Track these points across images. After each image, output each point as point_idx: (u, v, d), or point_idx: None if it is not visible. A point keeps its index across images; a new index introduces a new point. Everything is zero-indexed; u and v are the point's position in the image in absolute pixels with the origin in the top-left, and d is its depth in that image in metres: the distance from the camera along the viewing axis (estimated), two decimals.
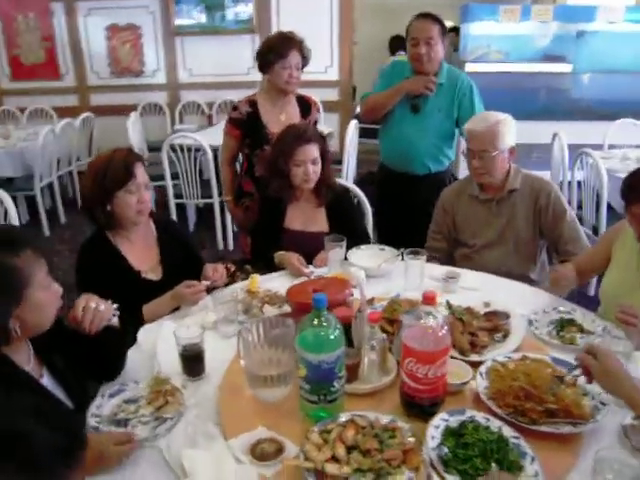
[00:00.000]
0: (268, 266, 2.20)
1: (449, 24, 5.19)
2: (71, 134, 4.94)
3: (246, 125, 2.60)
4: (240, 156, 2.77)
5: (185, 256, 1.98)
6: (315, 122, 2.76)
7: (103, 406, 1.36)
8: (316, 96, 5.78)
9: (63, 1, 5.58)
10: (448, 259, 2.32)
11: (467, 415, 1.22)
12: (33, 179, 4.34)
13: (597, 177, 3.21)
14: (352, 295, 1.63)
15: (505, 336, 1.57)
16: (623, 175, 3.27)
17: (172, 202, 4.09)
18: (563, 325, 1.64)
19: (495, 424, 1.20)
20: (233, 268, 2.25)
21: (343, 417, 1.22)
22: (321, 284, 1.64)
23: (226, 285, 1.99)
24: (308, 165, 2.13)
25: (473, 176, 2.20)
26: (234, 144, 2.68)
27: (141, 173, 1.79)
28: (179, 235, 2.04)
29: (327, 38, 5.64)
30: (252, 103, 2.64)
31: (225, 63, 5.74)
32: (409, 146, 2.65)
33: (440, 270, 2.00)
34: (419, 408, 1.25)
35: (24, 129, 4.96)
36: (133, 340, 1.63)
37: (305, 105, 2.72)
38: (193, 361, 1.47)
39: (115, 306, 1.47)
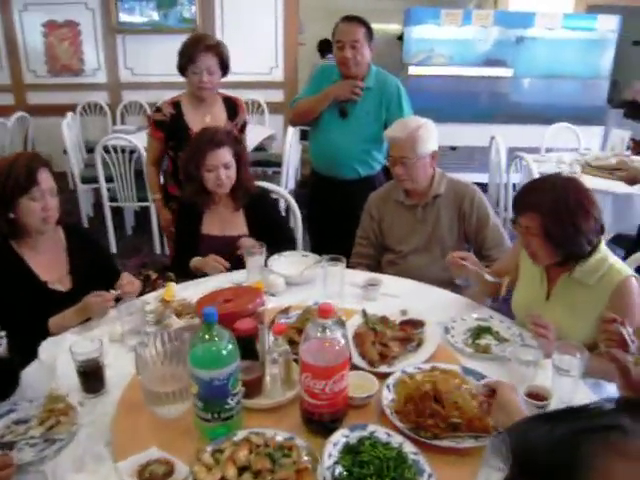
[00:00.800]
0: (190, 274, 2.14)
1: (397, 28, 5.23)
2: (3, 134, 4.71)
3: (169, 127, 2.53)
4: (166, 159, 2.69)
5: (98, 266, 1.89)
6: (243, 124, 2.70)
7: None
8: (261, 97, 5.77)
9: None
10: (376, 265, 2.30)
11: (369, 430, 1.19)
12: None
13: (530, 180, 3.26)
14: (263, 305, 1.57)
15: (419, 345, 1.54)
16: None
17: (107, 205, 3.95)
18: (479, 333, 1.64)
19: (397, 440, 1.16)
20: (155, 276, 2.19)
21: (239, 435, 1.17)
22: (231, 294, 1.58)
23: (143, 294, 1.91)
24: (220, 170, 2.08)
25: (396, 182, 2.19)
26: (158, 146, 2.60)
27: (45, 179, 1.69)
28: (91, 244, 1.95)
29: (272, 39, 5.59)
30: (176, 105, 2.57)
31: (168, 63, 5.54)
32: (337, 151, 2.62)
33: (362, 277, 1.98)
34: (320, 424, 1.21)
35: None
36: (29, 358, 1.53)
37: (232, 106, 2.65)
38: (91, 377, 1.39)
39: (2, 334, 1.37)
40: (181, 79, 5.83)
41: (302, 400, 1.21)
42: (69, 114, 4.67)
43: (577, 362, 1.34)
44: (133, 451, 1.16)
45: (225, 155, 2.08)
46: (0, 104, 5.47)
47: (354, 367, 1.42)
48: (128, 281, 1.74)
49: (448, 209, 2.16)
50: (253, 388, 1.31)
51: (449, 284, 2.04)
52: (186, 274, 2.08)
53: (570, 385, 1.34)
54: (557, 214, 1.50)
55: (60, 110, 5.02)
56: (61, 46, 5.45)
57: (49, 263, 1.79)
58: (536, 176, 3.25)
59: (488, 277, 1.76)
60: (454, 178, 2.24)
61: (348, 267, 2.19)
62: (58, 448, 1.21)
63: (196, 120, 2.52)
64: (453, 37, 4.96)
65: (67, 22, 5.41)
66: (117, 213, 4.39)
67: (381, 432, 1.18)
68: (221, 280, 1.96)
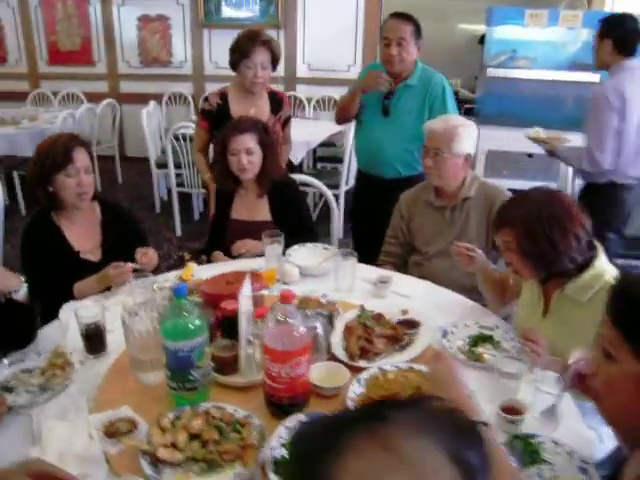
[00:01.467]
0: (225, 255, 2.25)
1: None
2: (92, 119, 5.12)
3: (215, 117, 2.63)
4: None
5: (129, 240, 2.02)
6: (287, 118, 2.76)
7: (1, 372, 1.42)
8: (336, 94, 5.81)
9: None
10: (403, 265, 2.28)
11: None
12: None
13: None
14: (263, 289, 1.63)
15: (408, 345, 1.52)
16: None
17: (174, 190, 4.19)
18: (478, 340, 1.59)
19: None
20: (188, 257, 2.32)
21: (202, 406, 1.23)
22: (234, 277, 1.64)
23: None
24: (242, 155, 2.14)
25: (425, 173, 2.16)
26: (204, 134, 2.73)
27: (81, 158, 1.85)
28: (125, 220, 2.09)
29: (351, 36, 5.61)
30: (223, 95, 2.67)
31: None
32: (378, 149, 2.62)
33: (375, 273, 1.97)
34: (278, 407, 1.24)
35: (54, 112, 5.17)
36: (50, 316, 1.69)
37: (276, 100, 2.72)
38: (93, 339, 1.52)
39: (22, 279, 1.52)
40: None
41: (264, 382, 1.25)
42: (151, 103, 4.98)
43: (554, 379, 1.27)
44: (110, 408, 1.27)
45: (248, 141, 2.15)
46: (96, 91, 5.94)
47: (334, 359, 1.44)
48: (142, 253, 1.85)
49: (477, 212, 2.10)
50: (228, 365, 1.36)
51: (471, 290, 1.98)
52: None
53: (548, 402, 1.27)
54: (530, 230, 1.45)
55: (148, 99, 5.36)
56: (152, 39, 5.83)
57: (83, 235, 1.95)
58: None
59: (494, 266, 1.71)
60: (487, 182, 2.17)
61: (376, 265, 2.21)
62: (48, 397, 1.34)
63: (241, 112, 2.61)
64: (538, 38, 4.72)
65: (159, 16, 5.78)
66: (187, 198, 4.65)
67: None
68: (240, 265, 2.03)
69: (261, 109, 2.66)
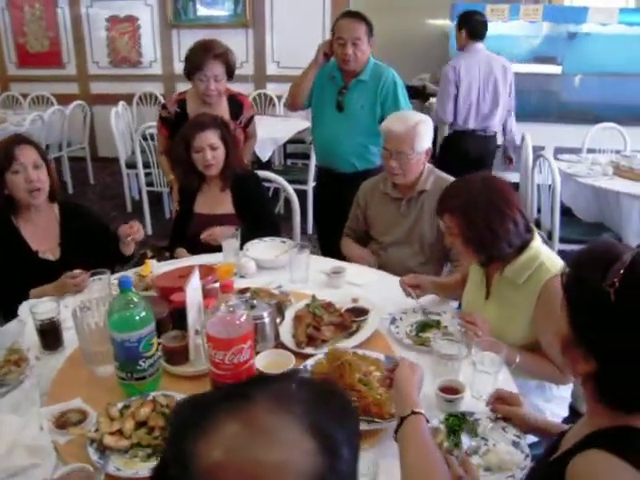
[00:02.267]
0: (189, 250, 2.29)
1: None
2: (62, 121, 5.10)
3: (174, 124, 2.62)
4: None
5: (91, 238, 2.04)
6: (248, 120, 2.79)
7: None
8: None
9: None
10: None
11: None
12: None
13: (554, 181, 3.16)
14: (215, 282, 1.67)
15: (356, 332, 1.58)
16: (587, 180, 3.26)
17: (144, 189, 4.22)
18: (425, 326, 1.64)
19: None
20: (150, 255, 2.35)
21: (150, 395, 1.27)
22: (188, 271, 1.68)
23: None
24: (206, 151, 2.19)
25: (388, 175, 2.20)
26: (164, 141, 2.74)
27: (25, 154, 1.87)
28: (86, 218, 2.10)
29: (319, 33, 5.62)
30: (181, 102, 2.68)
31: None
32: (334, 144, 2.67)
33: (330, 265, 2.02)
34: None
35: (23, 114, 5.14)
36: (10, 315, 1.71)
37: (236, 104, 2.73)
38: (48, 335, 1.55)
39: None
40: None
41: (209, 369, 1.29)
42: (120, 103, 4.98)
43: (496, 360, 1.34)
44: (62, 401, 1.30)
45: (210, 137, 2.19)
46: (68, 92, 5.91)
47: (283, 346, 1.49)
48: (129, 226, 1.98)
49: (431, 205, 2.14)
50: (178, 355, 1.41)
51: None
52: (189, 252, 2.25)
53: (486, 382, 1.34)
54: (469, 218, 1.49)
55: (119, 99, 5.35)
56: (122, 39, 5.82)
57: (42, 235, 1.97)
58: (557, 177, 3.14)
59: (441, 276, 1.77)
60: (443, 175, 2.21)
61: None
62: (3, 392, 1.37)
63: None
64: (499, 32, 4.81)
65: (127, 17, 5.77)
66: (158, 198, 4.66)
67: None
68: (198, 261, 2.07)
69: (221, 115, 2.67)
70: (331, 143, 2.69)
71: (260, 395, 0.55)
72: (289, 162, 5.32)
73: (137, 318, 1.25)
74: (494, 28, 4.80)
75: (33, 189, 1.87)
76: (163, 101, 2.86)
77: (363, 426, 1.20)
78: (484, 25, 3.63)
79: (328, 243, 2.76)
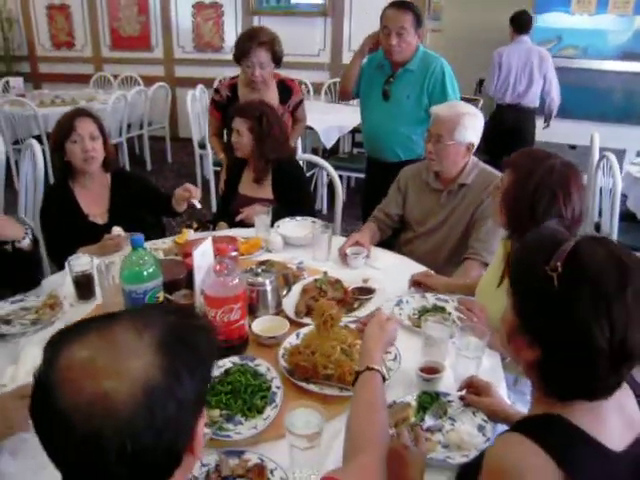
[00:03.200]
0: (231, 225, 2.43)
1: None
2: (144, 101, 5.46)
3: (225, 107, 2.75)
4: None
5: (140, 203, 2.22)
6: (296, 104, 2.87)
7: (3, 308, 1.67)
8: None
9: None
10: (386, 230, 2.32)
11: (255, 362, 1.35)
12: None
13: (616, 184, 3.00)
14: (234, 252, 1.79)
15: (357, 309, 1.64)
16: None
17: (211, 169, 4.46)
18: (429, 310, 1.67)
19: (271, 374, 1.31)
20: (195, 225, 2.53)
21: None
22: (215, 240, 1.80)
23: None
24: (234, 134, 2.35)
25: (427, 160, 2.20)
26: (216, 123, 2.88)
27: (83, 126, 2.06)
28: (136, 186, 2.28)
29: None
30: (232, 87, 2.81)
31: (297, 44, 5.93)
32: (379, 133, 2.69)
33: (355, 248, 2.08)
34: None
35: (112, 94, 5.55)
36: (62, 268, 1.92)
37: (285, 89, 2.82)
38: (82, 287, 1.73)
39: (25, 229, 1.75)
40: (308, 59, 6.21)
41: None
42: (199, 86, 5.24)
43: (478, 346, 1.35)
44: None
45: (239, 124, 2.33)
46: (153, 75, 6.30)
47: (284, 315, 1.58)
48: (185, 189, 2.13)
49: (470, 199, 2.10)
50: None
51: (450, 270, 2.05)
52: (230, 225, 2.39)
53: (468, 367, 1.35)
54: (524, 184, 1.45)
55: (201, 82, 5.64)
56: (206, 25, 6.10)
57: (93, 200, 2.18)
58: (619, 180, 2.98)
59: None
60: (487, 168, 2.16)
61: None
62: (36, 329, 1.57)
63: None
64: (585, 26, 4.57)
65: (212, 3, 6.04)
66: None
67: (263, 365, 1.34)
68: (232, 233, 2.20)
69: (269, 101, 2.70)
70: (376, 132, 2.72)
71: (125, 315, 0.67)
72: (355, 151, 5.37)
73: (145, 273, 1.38)
74: (578, 22, 4.60)
75: (88, 158, 2.07)
76: (216, 85, 2.99)
77: (334, 392, 1.26)
78: (527, 22, 4.40)
79: None
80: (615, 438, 0.82)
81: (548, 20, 4.72)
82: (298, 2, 5.82)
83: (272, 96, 2.79)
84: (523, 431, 0.82)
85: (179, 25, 6.28)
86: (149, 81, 5.95)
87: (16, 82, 5.31)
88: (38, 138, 4.19)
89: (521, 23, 4.37)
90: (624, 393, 0.87)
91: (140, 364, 0.61)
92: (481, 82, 5.94)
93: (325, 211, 4.70)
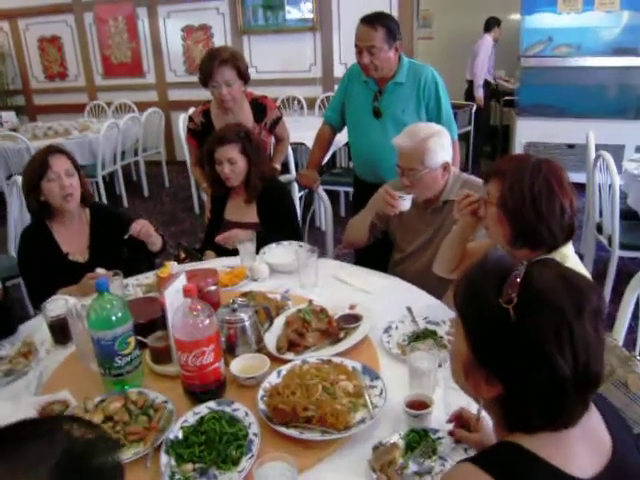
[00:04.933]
0: (219, 254, 2.37)
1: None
2: (137, 127, 5.45)
3: (201, 135, 2.70)
4: None
5: (120, 238, 2.15)
6: (273, 122, 2.81)
7: None
8: None
9: (146, 6, 6.17)
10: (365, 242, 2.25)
11: (232, 407, 1.28)
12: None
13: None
14: (214, 285, 1.72)
15: (343, 339, 1.56)
16: None
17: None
18: (419, 336, 1.59)
19: (250, 419, 1.24)
20: (182, 256, 2.47)
21: (127, 391, 1.34)
22: (192, 274, 1.75)
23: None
24: (225, 164, 2.26)
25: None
26: (195, 152, 2.84)
27: (57, 163, 2.01)
28: (114, 220, 2.22)
29: None
30: (205, 113, 2.77)
31: (288, 60, 5.95)
32: (377, 153, 2.54)
33: (348, 269, 2.01)
34: (192, 394, 1.33)
35: (105, 122, 5.55)
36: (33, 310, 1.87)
37: (259, 107, 2.76)
38: (57, 331, 1.67)
39: None
40: (300, 75, 6.20)
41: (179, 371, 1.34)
42: (191, 109, 5.20)
43: None
44: (53, 391, 1.41)
45: (229, 151, 2.27)
46: (147, 100, 6.31)
47: (266, 352, 1.51)
48: (136, 223, 2.07)
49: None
50: (161, 355, 1.47)
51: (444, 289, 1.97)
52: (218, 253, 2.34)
53: (458, 399, 1.26)
54: (518, 183, 1.41)
55: (195, 105, 5.61)
56: (196, 48, 6.10)
57: (72, 238, 2.13)
58: (616, 178, 2.90)
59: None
60: (471, 179, 2.10)
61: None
62: (9, 381, 1.52)
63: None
64: (574, 24, 4.51)
65: (201, 26, 6.05)
66: None
67: (241, 410, 1.27)
68: (216, 264, 2.14)
69: (243, 121, 2.66)
70: (371, 153, 2.57)
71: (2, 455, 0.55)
72: (351, 165, 5.30)
73: (113, 318, 1.32)
74: (567, 21, 4.53)
75: (67, 194, 2.01)
76: (189, 113, 2.94)
77: (315, 436, 1.19)
78: (491, 24, 5.95)
79: (366, 256, 2.49)
80: (584, 465, 0.77)
81: (536, 21, 4.65)
82: (286, 19, 5.80)
83: (246, 116, 2.73)
84: (474, 459, 0.78)
85: (169, 49, 6.30)
86: (143, 107, 5.94)
87: (8, 116, 5.33)
88: None
89: (488, 25, 5.95)
90: (589, 416, 0.81)
91: None
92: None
93: (324, 227, 4.64)
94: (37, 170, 2.00)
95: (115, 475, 0.59)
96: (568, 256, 1.46)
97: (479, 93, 5.92)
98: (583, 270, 1.45)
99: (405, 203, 1.99)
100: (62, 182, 2.00)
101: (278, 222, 2.31)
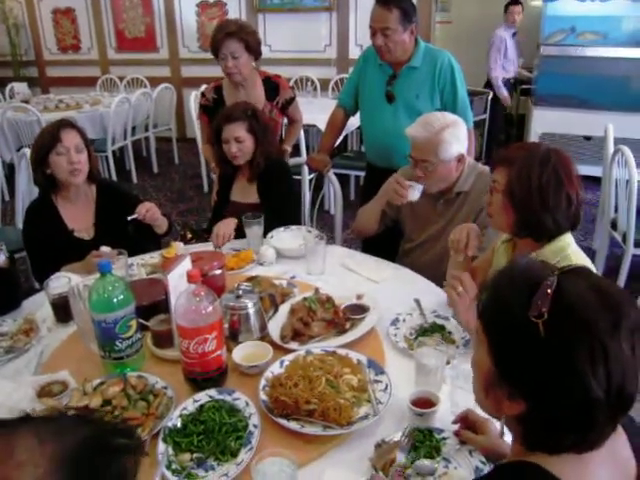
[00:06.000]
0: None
1: None
2: (148, 103, 5.39)
3: (212, 111, 2.65)
4: None
5: (125, 219, 2.12)
6: (288, 100, 2.76)
7: None
8: None
9: None
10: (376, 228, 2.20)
11: (233, 396, 1.25)
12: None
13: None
14: (220, 269, 1.69)
15: (349, 330, 1.53)
16: None
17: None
18: (427, 330, 1.55)
19: (250, 410, 1.21)
20: (189, 236, 2.44)
21: (127, 375, 1.31)
22: (197, 257, 1.71)
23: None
24: (232, 143, 2.21)
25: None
26: (206, 127, 2.78)
27: (68, 137, 1.97)
28: (120, 198, 2.18)
29: None
30: (217, 89, 2.72)
31: (303, 40, 5.86)
32: (388, 137, 2.48)
33: (356, 258, 1.97)
34: (193, 381, 1.30)
35: (116, 96, 5.49)
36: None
37: (272, 86, 2.71)
38: (59, 309, 1.65)
39: (1, 246, 1.68)
40: (314, 55, 6.14)
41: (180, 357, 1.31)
42: (203, 86, 5.13)
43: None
44: (55, 372, 1.38)
45: (237, 129, 2.21)
46: (159, 75, 6.24)
47: (269, 340, 1.48)
48: (142, 206, 2.04)
49: (468, 206, 1.99)
50: (163, 339, 1.44)
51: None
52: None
53: (464, 396, 1.23)
54: (525, 171, 1.39)
55: (207, 82, 5.54)
56: (210, 24, 6.00)
57: (78, 214, 2.09)
58: (634, 173, 2.82)
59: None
60: (486, 170, 2.04)
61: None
62: (10, 358, 1.49)
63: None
64: (598, 13, 4.38)
65: (216, 2, 5.95)
66: None
67: (242, 399, 1.24)
68: (226, 246, 2.10)
69: (255, 98, 2.64)
70: (384, 137, 2.51)
71: (34, 421, 0.59)
72: (363, 148, 5.24)
73: (114, 300, 1.29)
74: (590, 9, 4.40)
75: (74, 170, 1.97)
76: (202, 90, 2.90)
77: (317, 430, 1.16)
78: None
79: (375, 245, 2.39)
80: None
81: (558, 8, 4.52)
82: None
83: (258, 93, 2.69)
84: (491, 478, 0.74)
85: (184, 25, 6.21)
86: (155, 82, 5.89)
87: (20, 88, 5.29)
88: None
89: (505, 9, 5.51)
90: (615, 438, 0.76)
91: (31, 476, 0.51)
92: None
93: (333, 211, 4.59)
94: (47, 142, 1.96)
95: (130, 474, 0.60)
96: (569, 244, 1.44)
97: (503, 94, 5.46)
98: (585, 259, 1.44)
99: (415, 193, 1.95)
100: (70, 157, 1.96)
101: (276, 203, 2.26)
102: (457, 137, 1.92)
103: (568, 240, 1.44)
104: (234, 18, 2.72)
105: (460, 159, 1.96)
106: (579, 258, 1.42)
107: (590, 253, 3.11)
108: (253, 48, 2.59)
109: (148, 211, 2.01)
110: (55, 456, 0.53)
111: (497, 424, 1.15)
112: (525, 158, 1.41)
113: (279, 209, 2.22)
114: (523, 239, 1.49)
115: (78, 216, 2.09)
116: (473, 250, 1.64)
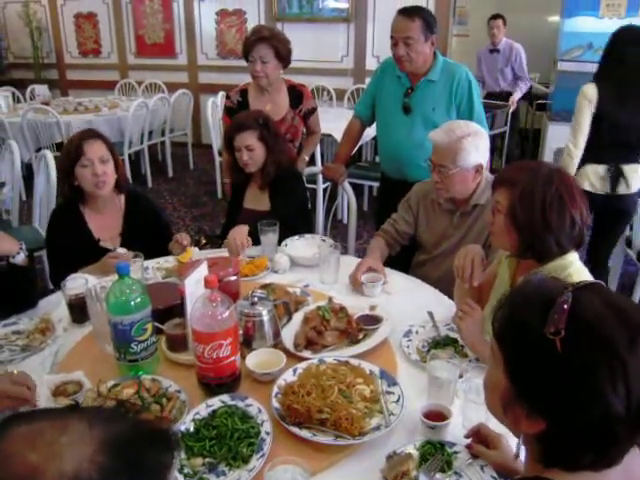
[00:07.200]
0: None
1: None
2: (166, 109, 5.46)
3: (236, 113, 2.64)
4: None
5: (151, 231, 2.13)
6: (310, 110, 2.79)
7: None
8: None
9: None
10: (394, 245, 2.19)
11: (246, 402, 1.26)
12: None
13: None
14: (234, 275, 1.70)
15: (361, 340, 1.53)
16: None
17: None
18: (439, 343, 1.55)
19: (262, 417, 1.22)
20: (203, 242, 2.45)
21: (141, 378, 1.33)
22: (212, 262, 1.73)
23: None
24: (243, 151, 2.24)
25: (435, 190, 2.07)
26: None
27: (92, 149, 1.97)
28: (149, 211, 2.20)
29: None
30: (243, 92, 2.76)
31: (320, 50, 5.90)
32: (403, 150, 2.50)
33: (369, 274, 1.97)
34: (206, 386, 1.31)
35: (134, 101, 5.56)
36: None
37: (296, 94, 2.75)
38: (76, 309, 1.67)
39: (20, 244, 1.70)
40: (331, 66, 6.17)
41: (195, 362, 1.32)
42: (220, 93, 5.20)
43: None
44: (69, 371, 1.40)
45: (248, 138, 2.23)
46: (177, 81, 6.32)
47: (282, 347, 1.49)
48: (182, 238, 2.07)
49: (484, 219, 2.00)
50: (178, 343, 1.45)
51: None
52: None
53: (477, 410, 1.23)
54: (528, 193, 1.38)
55: (224, 89, 5.60)
56: (229, 32, 6.08)
57: (105, 224, 2.09)
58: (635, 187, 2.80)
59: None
60: None
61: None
62: (25, 356, 1.51)
63: (258, 108, 2.66)
64: (614, 30, 4.35)
65: (235, 10, 6.02)
66: None
67: (254, 406, 1.25)
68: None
69: (279, 104, 2.70)
70: (397, 150, 2.53)
71: (86, 408, 0.62)
72: (377, 159, 5.25)
73: (132, 303, 1.31)
74: (607, 26, 4.37)
75: (99, 182, 1.97)
76: (227, 93, 2.94)
77: (328, 439, 1.16)
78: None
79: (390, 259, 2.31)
80: None
81: (576, 25, 4.51)
82: (321, 8, 5.74)
83: (282, 99, 2.74)
84: None
85: (203, 32, 6.29)
86: (173, 88, 5.96)
87: (41, 90, 5.37)
88: (61, 145, 4.22)
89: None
90: (633, 455, 0.75)
91: (79, 454, 0.54)
92: None
93: (346, 221, 4.60)
94: (72, 155, 1.97)
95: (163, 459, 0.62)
96: (572, 262, 1.43)
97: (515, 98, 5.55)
98: (587, 276, 1.41)
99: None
100: (95, 169, 1.95)
101: (287, 211, 2.26)
102: (476, 147, 1.92)
103: (571, 258, 1.43)
104: (270, 25, 2.76)
105: (478, 170, 1.96)
106: (581, 276, 1.39)
107: (604, 270, 3.09)
108: (283, 56, 2.64)
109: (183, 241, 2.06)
110: (103, 439, 0.56)
111: (513, 444, 1.14)
112: (527, 180, 1.39)
113: (289, 218, 2.23)
114: (526, 260, 1.48)
115: (105, 226, 2.09)
116: (478, 280, 1.62)
